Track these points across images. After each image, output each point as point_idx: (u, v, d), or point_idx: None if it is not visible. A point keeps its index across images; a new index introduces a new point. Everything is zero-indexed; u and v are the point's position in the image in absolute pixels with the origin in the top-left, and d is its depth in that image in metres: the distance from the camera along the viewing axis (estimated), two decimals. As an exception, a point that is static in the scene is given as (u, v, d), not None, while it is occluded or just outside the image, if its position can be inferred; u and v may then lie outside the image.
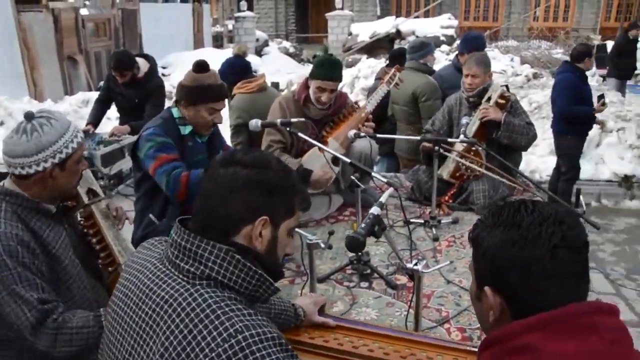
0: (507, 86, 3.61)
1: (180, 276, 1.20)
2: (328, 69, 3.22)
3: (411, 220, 3.26)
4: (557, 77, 5.64)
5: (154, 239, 1.42)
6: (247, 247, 1.25)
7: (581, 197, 2.82)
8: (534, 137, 3.57)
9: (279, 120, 2.92)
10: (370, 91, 4.95)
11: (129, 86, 4.70)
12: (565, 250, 1.01)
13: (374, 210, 1.74)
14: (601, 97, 5.31)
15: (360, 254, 2.67)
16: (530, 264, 1.01)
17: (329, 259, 2.94)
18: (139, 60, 4.75)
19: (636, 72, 12.39)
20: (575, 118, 5.39)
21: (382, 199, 1.84)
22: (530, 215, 1.04)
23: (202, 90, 2.64)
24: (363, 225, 1.71)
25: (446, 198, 3.48)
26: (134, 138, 2.97)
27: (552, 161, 6.60)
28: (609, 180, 6.49)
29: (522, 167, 6.49)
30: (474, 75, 3.54)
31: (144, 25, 14.74)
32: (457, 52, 4.74)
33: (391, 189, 1.88)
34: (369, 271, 2.72)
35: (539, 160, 6.65)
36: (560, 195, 5.78)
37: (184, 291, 1.16)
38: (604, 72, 10.81)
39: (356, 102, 3.51)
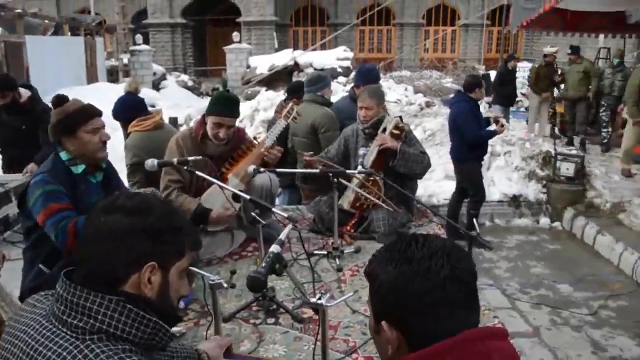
0: (400, 117, 3.75)
1: (69, 333, 1.13)
2: (225, 105, 3.20)
3: (314, 252, 3.27)
4: (453, 107, 5.96)
5: (39, 294, 1.33)
6: (137, 295, 1.20)
7: (474, 219, 2.96)
8: (428, 165, 3.73)
9: (175, 159, 2.86)
10: (269, 124, 4.98)
11: (13, 113, 4.44)
12: (454, 281, 1.05)
13: (274, 248, 1.74)
14: (496, 121, 5.72)
15: (265, 290, 2.64)
16: (422, 296, 1.04)
17: (234, 297, 2.88)
18: (21, 89, 4.54)
19: (517, 99, 13.38)
20: (484, 141, 5.78)
21: (282, 236, 1.84)
22: (420, 250, 1.08)
23: (72, 115, 2.55)
24: (263, 264, 1.69)
25: (348, 228, 3.52)
26: (21, 180, 2.79)
27: (447, 185, 6.93)
28: (500, 200, 6.90)
29: (420, 192, 6.77)
30: (368, 108, 3.66)
31: (31, 59, 14.05)
32: (353, 84, 4.89)
33: (291, 225, 1.88)
34: (275, 307, 2.68)
35: (436, 185, 6.95)
36: (468, 217, 6.13)
37: (74, 348, 1.09)
38: (490, 99, 11.60)
39: (255, 137, 3.51)
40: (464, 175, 6.06)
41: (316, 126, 4.49)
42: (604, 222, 6.38)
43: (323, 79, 4.78)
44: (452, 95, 6.69)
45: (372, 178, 3.43)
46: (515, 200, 6.98)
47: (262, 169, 3.04)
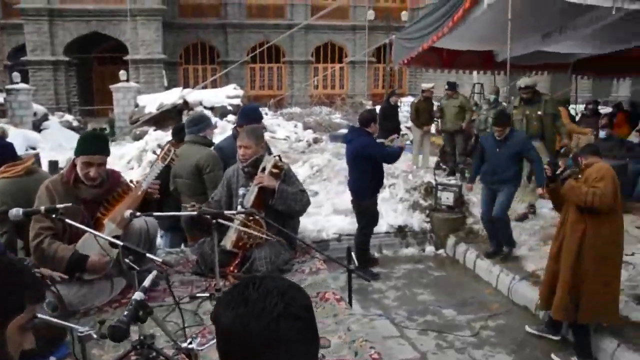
0: (279, 156, 3.83)
1: None
2: (92, 144, 3.15)
3: (197, 294, 3.23)
4: (355, 142, 6.17)
5: None
6: None
7: (352, 253, 3.06)
8: (307, 202, 3.81)
9: (43, 208, 2.73)
10: (151, 166, 4.88)
11: None
12: (289, 318, 1.10)
13: (137, 295, 1.71)
14: (391, 141, 6.34)
15: (142, 337, 2.55)
16: (258, 337, 1.08)
17: (112, 347, 2.77)
18: None
19: (402, 132, 14.04)
20: (397, 156, 6.26)
21: (146, 282, 1.81)
22: (256, 291, 1.12)
23: None
24: (126, 312, 1.66)
25: (231, 268, 3.51)
26: None
27: (336, 220, 7.09)
28: (387, 232, 7.14)
29: (310, 226, 6.88)
30: (246, 147, 3.72)
31: None
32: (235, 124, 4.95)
33: (155, 272, 1.86)
34: (154, 354, 2.60)
35: (324, 220, 7.08)
36: (357, 247, 6.32)
37: None
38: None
39: (131, 181, 3.44)
40: (362, 208, 6.32)
41: (200, 167, 4.48)
42: (483, 246, 6.77)
43: (204, 119, 4.80)
44: (342, 131, 6.95)
45: (252, 217, 3.45)
46: (401, 231, 7.26)
47: (138, 214, 2.97)
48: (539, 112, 7.40)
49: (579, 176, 4.31)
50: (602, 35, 9.58)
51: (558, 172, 4.41)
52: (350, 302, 3.14)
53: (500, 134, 6.09)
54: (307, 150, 9.63)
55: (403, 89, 29.26)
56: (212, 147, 4.75)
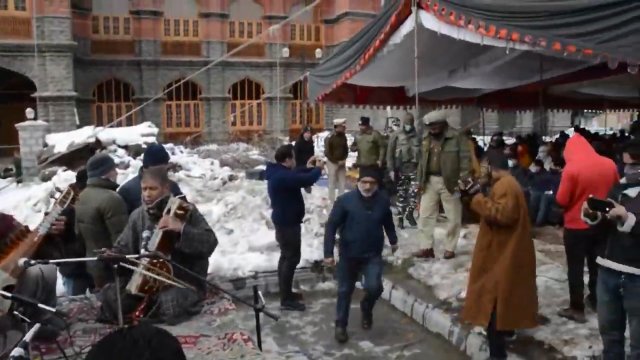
0: (184, 197, 3.78)
1: None
2: None
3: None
4: (275, 175, 6.31)
5: None
6: None
7: (259, 292, 3.04)
8: (215, 242, 3.77)
9: None
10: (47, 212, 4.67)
11: None
12: None
13: (16, 352, 1.62)
14: (313, 163, 6.63)
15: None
16: None
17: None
18: None
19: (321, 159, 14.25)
20: (315, 179, 6.62)
21: (27, 337, 1.72)
22: (122, 341, 1.11)
23: None
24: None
25: (137, 313, 3.40)
26: None
27: (252, 257, 7.04)
28: (303, 267, 7.14)
29: (225, 265, 6.78)
30: (152, 188, 3.66)
31: None
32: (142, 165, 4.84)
33: (38, 325, 1.78)
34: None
35: (240, 258, 7.02)
36: (283, 279, 6.38)
37: None
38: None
39: (26, 226, 3.27)
40: (287, 238, 6.41)
41: (102, 211, 4.33)
42: (397, 277, 6.92)
43: (106, 161, 4.67)
44: (259, 167, 7.00)
45: (157, 260, 3.37)
46: (317, 265, 7.30)
47: (33, 261, 2.83)
48: (445, 148, 7.12)
49: (488, 187, 4.56)
50: (502, 72, 10.24)
51: (468, 187, 4.62)
52: (259, 342, 3.11)
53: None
54: (222, 188, 9.55)
55: (320, 124, 29.84)
56: (118, 189, 4.62)
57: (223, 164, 14.11)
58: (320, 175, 6.58)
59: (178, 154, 14.83)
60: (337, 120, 11.35)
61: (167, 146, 15.26)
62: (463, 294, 5.96)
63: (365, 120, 10.64)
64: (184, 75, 24.91)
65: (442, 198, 7.24)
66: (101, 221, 4.34)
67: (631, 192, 3.66)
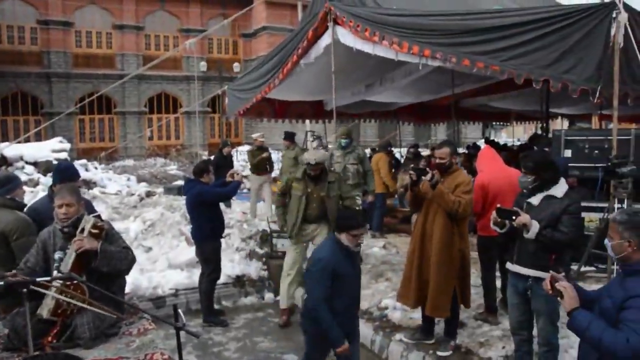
0: (99, 216, 3.66)
1: None
2: None
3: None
4: (192, 191, 6.22)
5: None
6: None
7: (179, 309, 2.98)
8: (133, 260, 3.67)
9: None
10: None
11: None
12: None
13: None
14: (232, 176, 6.47)
15: None
16: None
17: None
18: None
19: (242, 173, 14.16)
20: (235, 192, 6.50)
21: None
22: None
23: None
24: None
25: (49, 339, 3.24)
26: None
27: (172, 275, 6.88)
28: (225, 282, 7.05)
29: (145, 284, 6.60)
30: (69, 205, 3.52)
31: None
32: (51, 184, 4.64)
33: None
34: None
35: (160, 276, 6.84)
36: (205, 295, 6.28)
37: None
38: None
39: None
40: (206, 254, 6.31)
41: (6, 234, 4.06)
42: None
43: (12, 179, 4.41)
44: (178, 183, 6.85)
45: (70, 282, 3.23)
46: (239, 280, 7.23)
47: None
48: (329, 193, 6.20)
49: (442, 180, 4.68)
50: (416, 86, 10.60)
51: (428, 177, 4.66)
52: (180, 361, 3.04)
53: None
54: (140, 205, 9.28)
55: (239, 139, 29.66)
56: (25, 209, 4.38)
57: (140, 179, 13.73)
58: (238, 189, 6.53)
59: (92, 170, 14.29)
60: (254, 135, 11.36)
61: (81, 162, 14.68)
62: (384, 303, 6.11)
63: (289, 135, 10.58)
64: (97, 89, 24.07)
65: (315, 244, 6.09)
66: (6, 244, 4.07)
67: (534, 200, 3.92)
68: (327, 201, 6.09)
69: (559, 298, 2.76)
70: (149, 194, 10.58)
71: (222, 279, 6.74)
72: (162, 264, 7.05)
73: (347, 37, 7.57)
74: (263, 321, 6.63)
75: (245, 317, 6.77)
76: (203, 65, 29.61)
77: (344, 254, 3.99)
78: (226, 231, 7.05)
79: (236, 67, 29.41)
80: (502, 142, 18.25)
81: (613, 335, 2.51)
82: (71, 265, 3.34)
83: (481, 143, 15.92)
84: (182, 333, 2.95)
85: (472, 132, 32.41)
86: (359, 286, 4.26)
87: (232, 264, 7.17)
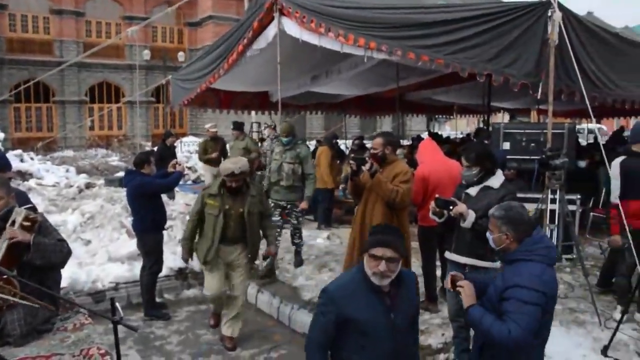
0: (33, 207, 3.53)
1: None
2: None
3: None
4: (132, 183, 6.07)
5: None
6: None
7: (117, 303, 2.92)
8: (69, 253, 3.56)
9: None
10: None
11: None
12: None
13: None
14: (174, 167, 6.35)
15: None
16: None
17: None
18: None
19: (184, 173, 13.92)
20: (176, 183, 6.36)
21: None
22: None
23: None
24: None
25: (-23, 337, 3.11)
26: None
27: (112, 268, 6.73)
28: (167, 275, 6.93)
29: (83, 277, 6.43)
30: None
31: None
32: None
33: None
34: None
35: (99, 269, 6.66)
36: (146, 289, 6.19)
37: None
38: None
39: None
40: (148, 246, 6.19)
41: None
42: (263, 281, 6.94)
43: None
44: (120, 174, 6.67)
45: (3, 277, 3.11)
46: (181, 273, 7.12)
47: None
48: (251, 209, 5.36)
49: (380, 170, 4.73)
50: (362, 78, 10.69)
51: (367, 167, 4.67)
52: (118, 356, 2.97)
53: None
54: (78, 197, 8.99)
55: (184, 129, 29.17)
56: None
57: (80, 171, 13.30)
58: (181, 179, 6.43)
59: (28, 161, 13.74)
60: (207, 125, 11.16)
61: (15, 152, 14.08)
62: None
63: (237, 125, 10.36)
64: (34, 76, 23.11)
65: (233, 269, 5.47)
66: None
67: (472, 191, 4.03)
68: (247, 219, 5.21)
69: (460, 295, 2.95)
70: (88, 186, 10.27)
71: (164, 271, 6.62)
72: (101, 257, 6.87)
73: (292, 28, 7.55)
74: (206, 314, 6.55)
75: (187, 309, 6.68)
76: (146, 54, 28.91)
77: (367, 288, 2.75)
78: (168, 223, 6.93)
79: (181, 56, 28.87)
80: (445, 135, 18.68)
81: (499, 327, 2.70)
82: (1, 258, 3.20)
83: (425, 135, 16.24)
84: (121, 327, 2.89)
85: (416, 124, 33.02)
86: (399, 344, 2.81)
87: (174, 257, 7.04)
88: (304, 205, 7.08)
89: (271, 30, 8.00)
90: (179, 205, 7.91)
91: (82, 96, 28.92)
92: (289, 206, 7.09)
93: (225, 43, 9.23)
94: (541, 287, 2.72)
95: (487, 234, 3.06)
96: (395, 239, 2.76)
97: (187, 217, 7.86)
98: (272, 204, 6.84)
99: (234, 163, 5.14)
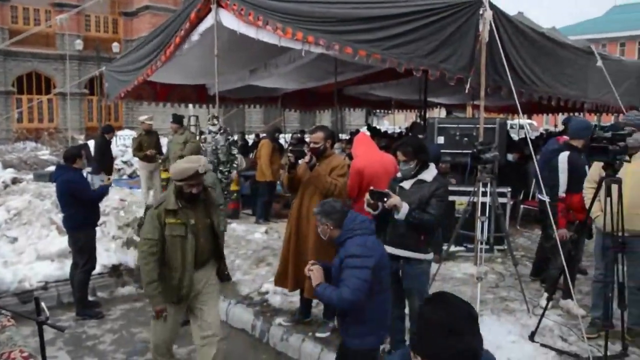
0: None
1: None
2: None
3: None
4: (61, 179, 5.91)
5: None
6: None
7: (42, 303, 2.80)
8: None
9: None
10: None
11: None
12: None
13: None
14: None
15: None
16: None
17: None
18: None
19: (119, 167, 13.54)
20: (102, 196, 6.14)
21: None
22: None
23: None
24: None
25: None
26: None
27: (40, 267, 6.47)
28: (100, 272, 6.72)
29: (9, 277, 6.17)
30: None
31: None
32: None
33: None
34: None
35: (27, 268, 6.38)
36: (78, 287, 6.01)
37: None
38: (90, 169, 11.32)
39: None
40: (80, 243, 5.99)
41: None
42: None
43: None
44: (50, 169, 6.43)
45: None
46: (115, 270, 6.92)
47: None
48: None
49: (318, 163, 4.74)
50: (301, 72, 10.71)
51: (306, 159, 4.67)
52: (43, 357, 2.86)
53: None
54: (4, 192, 8.57)
55: (119, 122, 28.35)
56: None
57: (6, 165, 12.69)
58: (106, 195, 6.29)
59: (-51, 155, 13.01)
60: (141, 117, 10.82)
61: None
62: (264, 288, 6.14)
63: (177, 118, 10.02)
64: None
65: (201, 299, 4.23)
66: None
67: (406, 184, 4.11)
68: (219, 231, 4.30)
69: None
70: (15, 181, 9.81)
71: (97, 269, 6.42)
72: (29, 255, 6.57)
73: (230, 20, 7.47)
74: (141, 311, 6.40)
75: (122, 307, 6.50)
76: (79, 44, 27.88)
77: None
78: (102, 219, 6.72)
79: (115, 47, 28.00)
80: (384, 130, 18.96)
81: (336, 294, 3.19)
82: None
83: (364, 130, 16.42)
84: (51, 328, 2.78)
85: (356, 119, 33.36)
86: None
87: (108, 253, 6.83)
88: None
89: (208, 22, 7.89)
90: (113, 201, 7.66)
91: (9, 86, 27.59)
92: None
93: (162, 34, 9.04)
94: (366, 252, 3.23)
95: (317, 228, 3.52)
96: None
97: (122, 213, 7.72)
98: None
99: (194, 161, 3.93)
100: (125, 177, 15.17)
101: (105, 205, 7.29)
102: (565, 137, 5.96)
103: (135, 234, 7.32)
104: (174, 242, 3.93)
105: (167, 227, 3.90)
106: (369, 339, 3.38)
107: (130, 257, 7.03)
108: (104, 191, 6.14)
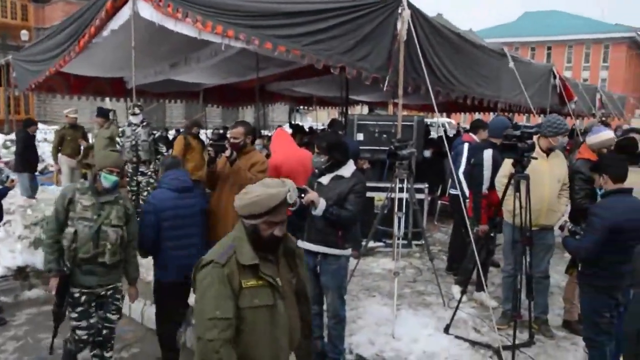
0: None
1: None
2: None
3: None
4: None
5: None
6: None
7: None
8: None
9: None
10: None
11: None
12: None
13: None
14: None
15: None
16: None
17: None
18: None
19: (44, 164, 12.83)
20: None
21: None
22: None
23: None
24: None
25: None
26: None
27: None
28: (4, 275, 6.33)
29: None
30: None
31: None
32: None
33: None
34: None
35: None
36: None
37: None
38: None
39: None
40: None
41: None
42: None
43: None
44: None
45: None
46: (21, 272, 6.53)
47: None
48: None
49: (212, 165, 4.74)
50: (222, 67, 10.51)
51: (227, 153, 4.59)
52: None
53: None
54: None
55: (30, 115, 26.84)
56: None
57: None
58: (5, 196, 5.94)
59: None
60: (66, 110, 10.21)
61: None
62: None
63: (103, 112, 9.46)
64: None
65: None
66: None
67: (324, 180, 4.11)
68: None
69: None
70: None
71: (0, 271, 6.04)
72: None
73: (148, 11, 7.20)
74: (50, 315, 6.08)
75: (28, 312, 6.16)
76: (-18, 30, 26.14)
77: None
78: (5, 218, 6.32)
79: (24, 34, 26.46)
80: (307, 127, 18.99)
81: None
82: None
83: (287, 127, 16.39)
84: None
85: (279, 115, 33.28)
86: None
87: (12, 254, 6.45)
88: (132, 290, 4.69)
89: (125, 13, 7.57)
90: (18, 198, 7.24)
91: None
92: (108, 293, 4.40)
93: (75, 23, 8.60)
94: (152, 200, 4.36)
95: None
96: None
97: (29, 211, 7.29)
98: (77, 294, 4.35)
99: (276, 185, 2.60)
100: (36, 173, 14.31)
101: (9, 202, 6.88)
102: (472, 136, 6.22)
103: (44, 233, 6.95)
104: (257, 317, 2.41)
105: (246, 295, 2.39)
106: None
107: (39, 258, 6.66)
108: (4, 191, 5.78)
